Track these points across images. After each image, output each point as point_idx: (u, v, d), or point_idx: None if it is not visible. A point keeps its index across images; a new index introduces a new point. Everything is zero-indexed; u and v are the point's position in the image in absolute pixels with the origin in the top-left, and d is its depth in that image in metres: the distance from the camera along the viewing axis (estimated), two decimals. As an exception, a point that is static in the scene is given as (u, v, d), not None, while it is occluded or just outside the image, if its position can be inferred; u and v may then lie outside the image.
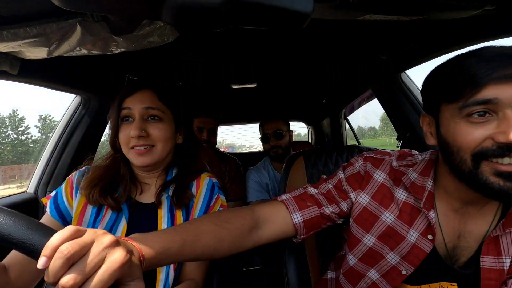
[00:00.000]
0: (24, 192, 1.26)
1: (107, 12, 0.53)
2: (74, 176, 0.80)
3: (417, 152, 0.73)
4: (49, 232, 0.37)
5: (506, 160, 0.47)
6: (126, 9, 0.41)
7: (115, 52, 0.69)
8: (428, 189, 0.62)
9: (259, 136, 1.88)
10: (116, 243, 0.39)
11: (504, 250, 0.57)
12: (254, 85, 1.54)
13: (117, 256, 0.37)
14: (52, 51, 0.65)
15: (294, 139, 1.93)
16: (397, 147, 1.35)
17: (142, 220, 0.76)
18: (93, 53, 0.68)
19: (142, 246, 0.45)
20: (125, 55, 0.75)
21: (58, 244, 0.34)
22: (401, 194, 0.66)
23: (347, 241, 0.75)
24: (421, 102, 1.31)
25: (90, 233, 0.38)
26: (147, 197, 0.80)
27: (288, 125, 1.85)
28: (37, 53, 0.67)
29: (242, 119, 2.93)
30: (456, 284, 0.61)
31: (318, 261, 0.98)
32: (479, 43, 0.81)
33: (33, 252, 0.36)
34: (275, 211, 0.70)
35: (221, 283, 0.95)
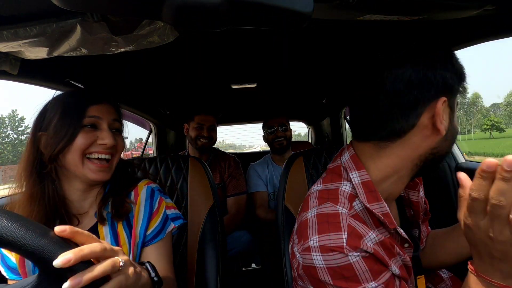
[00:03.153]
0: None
1: (107, 12, 0.53)
2: None
3: (331, 187, 0.64)
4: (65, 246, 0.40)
5: None
6: (126, 9, 0.41)
7: (115, 52, 0.69)
8: (386, 211, 0.58)
9: (260, 136, 1.95)
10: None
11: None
12: (254, 85, 1.54)
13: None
14: (52, 51, 0.65)
15: (294, 139, 2.03)
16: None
17: None
18: (93, 53, 0.68)
19: None
20: (125, 56, 0.76)
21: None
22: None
23: None
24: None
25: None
26: (85, 225, 0.74)
27: (289, 123, 2.02)
28: (37, 53, 0.67)
29: (242, 119, 2.93)
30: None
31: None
32: (479, 43, 0.81)
33: (44, 263, 0.38)
34: None
35: (221, 283, 0.95)
